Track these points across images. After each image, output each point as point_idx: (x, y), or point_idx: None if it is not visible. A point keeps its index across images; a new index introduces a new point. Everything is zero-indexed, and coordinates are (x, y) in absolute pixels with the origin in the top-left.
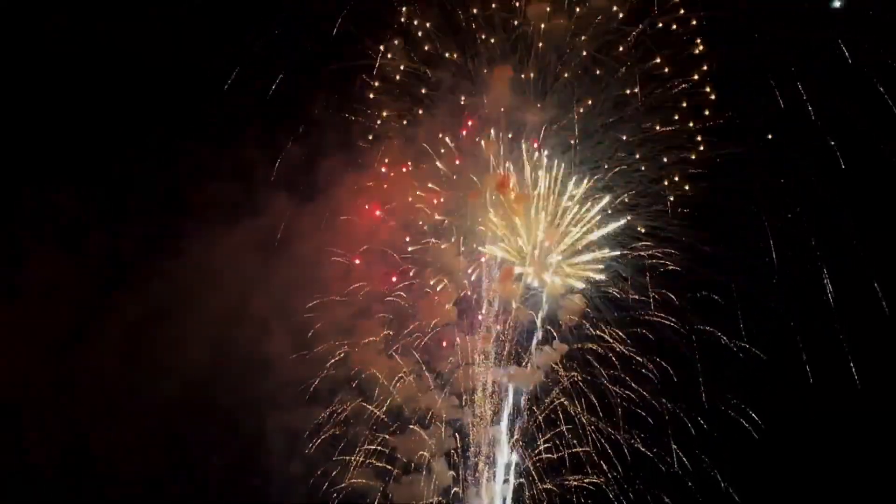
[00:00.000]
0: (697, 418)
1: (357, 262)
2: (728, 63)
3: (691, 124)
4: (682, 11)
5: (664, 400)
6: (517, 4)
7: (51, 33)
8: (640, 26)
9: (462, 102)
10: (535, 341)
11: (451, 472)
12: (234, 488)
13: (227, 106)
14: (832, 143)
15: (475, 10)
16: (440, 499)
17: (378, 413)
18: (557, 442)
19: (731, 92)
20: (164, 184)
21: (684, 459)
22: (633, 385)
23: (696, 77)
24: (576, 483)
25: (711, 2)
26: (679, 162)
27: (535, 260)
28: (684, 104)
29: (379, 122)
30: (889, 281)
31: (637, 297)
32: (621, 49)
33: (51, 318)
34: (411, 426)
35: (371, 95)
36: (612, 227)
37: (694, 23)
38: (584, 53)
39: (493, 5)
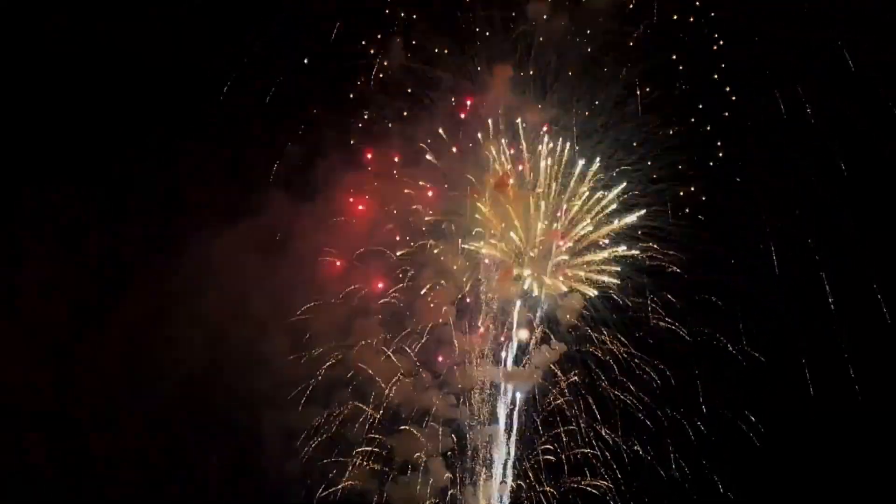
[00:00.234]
0: (697, 422)
1: (354, 262)
2: (728, 63)
3: (691, 123)
4: (682, 12)
5: (663, 404)
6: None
7: (51, 33)
8: (641, 26)
9: (460, 99)
10: (532, 341)
11: (448, 473)
12: (232, 488)
13: (227, 106)
14: (832, 143)
15: (475, 10)
16: (437, 499)
17: (374, 415)
18: (555, 445)
19: (731, 92)
20: (164, 184)
21: (682, 463)
22: (631, 388)
23: (696, 77)
24: (574, 486)
25: (712, 2)
26: (679, 162)
27: (534, 259)
28: (684, 104)
29: (378, 121)
30: (889, 281)
31: (636, 298)
32: (621, 49)
33: (51, 318)
34: (408, 426)
35: (370, 95)
36: (623, 221)
37: (694, 23)
38: (586, 51)
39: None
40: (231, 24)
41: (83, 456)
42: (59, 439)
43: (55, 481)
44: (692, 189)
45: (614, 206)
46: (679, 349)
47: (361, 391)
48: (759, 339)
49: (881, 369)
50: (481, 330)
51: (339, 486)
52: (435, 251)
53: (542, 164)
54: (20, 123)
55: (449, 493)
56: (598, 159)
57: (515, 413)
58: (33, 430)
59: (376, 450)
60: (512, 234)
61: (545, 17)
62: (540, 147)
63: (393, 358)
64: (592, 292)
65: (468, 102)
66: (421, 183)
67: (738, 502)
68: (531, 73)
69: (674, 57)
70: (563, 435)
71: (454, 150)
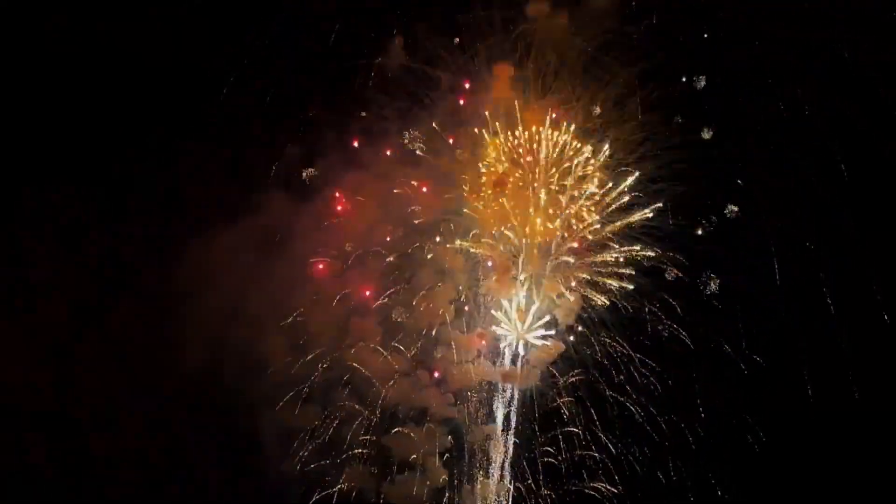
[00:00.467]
0: (695, 425)
1: (351, 262)
2: (728, 63)
3: (691, 123)
4: (682, 12)
5: (662, 406)
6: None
7: (51, 33)
8: (641, 27)
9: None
10: (531, 341)
11: (445, 473)
12: (232, 488)
13: (227, 106)
14: (832, 143)
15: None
16: (435, 499)
17: (372, 416)
18: (553, 448)
19: (731, 92)
20: (164, 184)
21: (681, 466)
22: (629, 390)
23: (696, 77)
24: (574, 489)
25: (712, 2)
26: (678, 162)
27: (533, 257)
28: (684, 104)
29: (377, 121)
30: (889, 282)
31: (636, 299)
32: (621, 49)
33: (51, 318)
34: (406, 426)
35: (370, 95)
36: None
37: (694, 23)
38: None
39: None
40: (231, 24)
41: (83, 456)
42: (59, 439)
43: (55, 481)
44: (692, 189)
45: (623, 201)
46: (678, 351)
47: (359, 391)
48: (758, 340)
49: (881, 371)
50: (479, 329)
51: (337, 487)
52: (434, 251)
53: (542, 162)
54: (20, 123)
55: (447, 490)
56: (605, 148)
57: (513, 413)
58: (33, 430)
59: (374, 450)
60: (510, 233)
61: (545, 16)
62: (540, 147)
63: (390, 357)
64: (603, 300)
65: (461, 102)
66: (418, 183)
67: None
68: (531, 72)
69: (673, 57)
70: (560, 438)
71: (453, 148)
